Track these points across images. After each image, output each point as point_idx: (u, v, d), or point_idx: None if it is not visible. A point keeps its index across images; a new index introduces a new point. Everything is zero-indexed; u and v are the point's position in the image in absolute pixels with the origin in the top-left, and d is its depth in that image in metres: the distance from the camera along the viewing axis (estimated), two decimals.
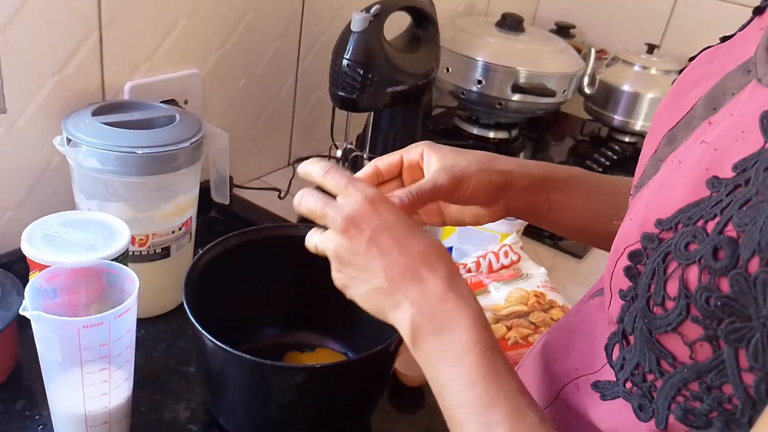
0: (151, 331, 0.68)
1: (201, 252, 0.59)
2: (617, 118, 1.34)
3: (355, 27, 0.78)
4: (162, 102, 0.76)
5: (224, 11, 0.85)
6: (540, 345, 0.50)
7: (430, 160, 0.48)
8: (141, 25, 0.75)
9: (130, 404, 0.56)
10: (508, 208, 0.51)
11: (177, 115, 0.68)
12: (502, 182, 0.49)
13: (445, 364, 0.38)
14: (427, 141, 0.50)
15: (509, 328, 0.70)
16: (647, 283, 0.33)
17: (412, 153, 0.49)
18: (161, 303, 0.71)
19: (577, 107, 1.43)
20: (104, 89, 0.74)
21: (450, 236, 0.86)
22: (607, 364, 0.39)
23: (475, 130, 1.28)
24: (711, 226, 0.30)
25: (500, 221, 0.82)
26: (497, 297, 0.74)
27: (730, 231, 0.29)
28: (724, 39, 0.41)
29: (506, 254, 0.79)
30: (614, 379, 0.38)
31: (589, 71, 1.27)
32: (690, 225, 0.31)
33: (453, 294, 0.39)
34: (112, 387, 0.52)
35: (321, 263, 0.58)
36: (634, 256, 0.35)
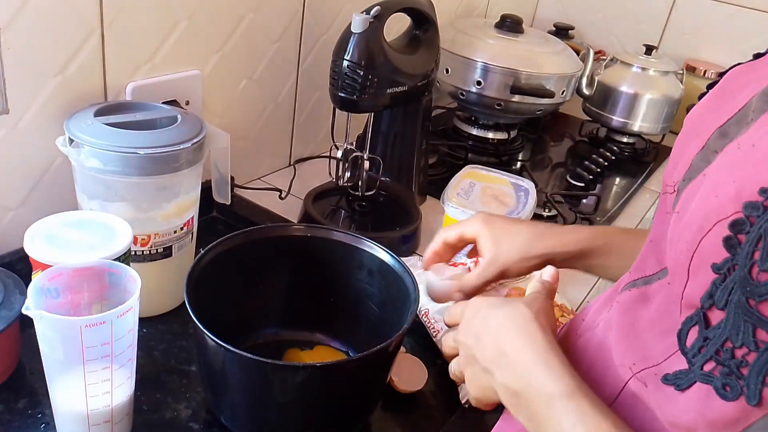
0: (153, 330, 0.68)
1: (202, 252, 0.60)
2: (616, 119, 1.34)
3: (356, 28, 0.78)
4: (163, 103, 0.76)
5: (225, 12, 0.85)
6: (577, 341, 0.50)
7: (484, 246, 0.60)
8: (142, 26, 0.76)
9: (132, 403, 0.56)
10: None
11: (178, 116, 0.69)
12: (541, 264, 0.58)
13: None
14: (483, 215, 0.62)
15: None
16: (750, 250, 0.34)
17: (469, 232, 0.62)
18: (163, 302, 0.72)
19: (576, 108, 1.43)
20: (106, 90, 0.74)
21: None
22: (670, 356, 0.39)
23: (475, 131, 1.28)
24: None
25: None
26: (496, 296, 0.74)
27: None
28: (757, 56, 0.44)
29: None
30: (681, 368, 0.38)
31: (587, 72, 1.27)
32: None
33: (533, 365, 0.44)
34: (114, 386, 0.52)
35: (320, 263, 0.59)
36: (735, 225, 0.35)
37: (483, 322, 0.48)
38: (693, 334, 0.38)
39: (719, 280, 0.36)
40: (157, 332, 0.68)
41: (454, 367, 0.52)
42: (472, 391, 0.50)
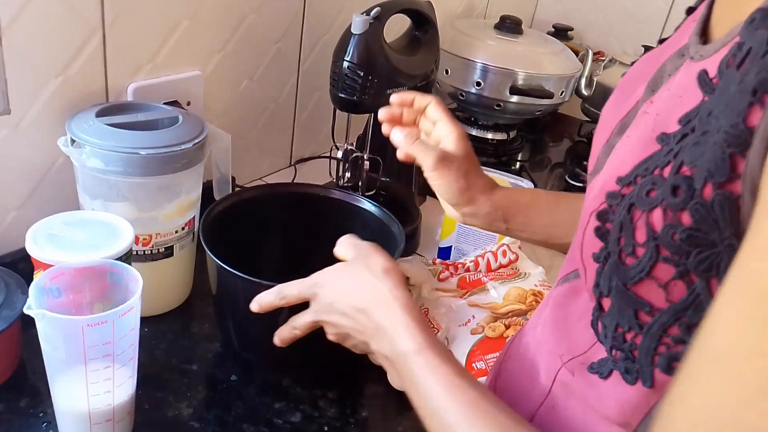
0: (154, 329, 0.69)
1: (212, 204, 0.69)
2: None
3: (356, 29, 0.78)
4: (165, 103, 0.76)
5: (226, 13, 0.86)
6: (521, 342, 0.51)
7: (445, 124, 0.60)
8: (144, 27, 0.76)
9: (134, 402, 0.56)
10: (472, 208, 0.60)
11: (180, 116, 0.69)
12: (481, 184, 0.60)
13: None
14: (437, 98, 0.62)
15: (507, 327, 0.71)
16: (617, 237, 0.35)
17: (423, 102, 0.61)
18: (164, 302, 0.72)
19: (575, 108, 1.44)
20: (108, 90, 0.75)
21: (449, 236, 0.87)
22: (595, 344, 0.40)
23: (474, 132, 1.28)
24: (666, 171, 0.33)
25: None
26: (495, 296, 0.75)
27: (685, 171, 0.32)
28: (662, 41, 0.46)
29: (504, 253, 0.80)
30: (603, 356, 0.39)
31: (586, 73, 1.28)
32: (647, 175, 0.34)
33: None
34: (116, 385, 0.52)
35: (317, 217, 0.74)
36: (601, 215, 0.37)
37: (343, 300, 0.51)
38: (599, 324, 0.39)
39: (600, 268, 0.37)
40: (158, 331, 0.69)
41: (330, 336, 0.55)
42: (355, 350, 0.54)
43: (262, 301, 0.56)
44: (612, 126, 0.44)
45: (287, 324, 0.56)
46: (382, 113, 0.61)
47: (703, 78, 0.33)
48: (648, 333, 0.34)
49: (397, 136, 0.58)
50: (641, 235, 0.33)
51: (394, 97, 0.62)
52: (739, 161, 0.29)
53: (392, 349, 0.46)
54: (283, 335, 0.56)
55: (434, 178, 0.57)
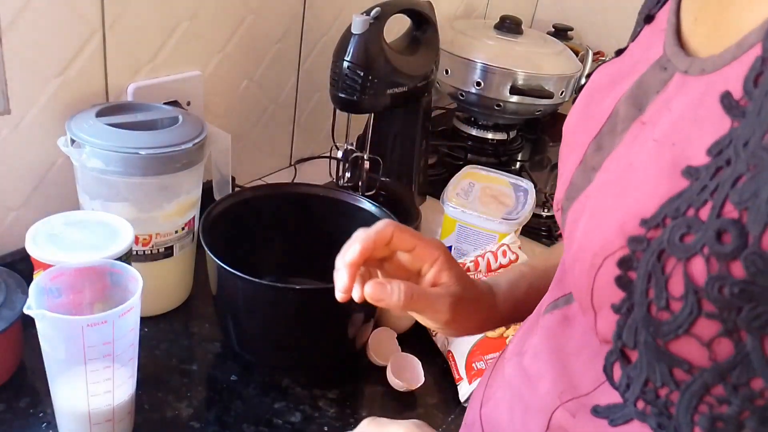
0: (154, 329, 0.69)
1: (214, 203, 0.69)
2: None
3: (356, 29, 0.78)
4: (165, 103, 0.76)
5: (226, 13, 0.86)
6: (504, 370, 0.47)
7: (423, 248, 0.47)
8: (144, 27, 0.76)
9: (134, 402, 0.56)
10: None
11: (180, 117, 0.69)
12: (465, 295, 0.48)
13: None
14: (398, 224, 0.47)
15: (507, 327, 0.71)
16: (644, 288, 0.31)
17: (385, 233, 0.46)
18: (164, 302, 0.72)
19: None
20: (107, 91, 0.75)
21: (449, 236, 0.87)
22: (600, 386, 0.37)
23: (474, 132, 1.28)
24: (705, 212, 0.29)
25: (499, 221, 0.83)
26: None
27: (730, 212, 0.28)
28: (619, 52, 0.43)
29: (504, 254, 0.80)
30: (614, 400, 0.36)
31: (586, 73, 1.28)
32: (679, 216, 0.30)
33: None
34: (116, 385, 0.52)
35: (316, 217, 0.74)
36: (623, 263, 0.32)
37: None
38: (617, 370, 0.35)
39: (621, 320, 0.33)
40: (158, 331, 0.69)
41: None
42: None
43: None
44: (584, 145, 0.40)
45: None
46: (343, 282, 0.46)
47: (728, 101, 0.29)
48: (687, 391, 0.31)
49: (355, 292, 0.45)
50: (677, 288, 0.29)
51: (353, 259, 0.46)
52: None
53: None
54: None
55: (425, 318, 0.48)
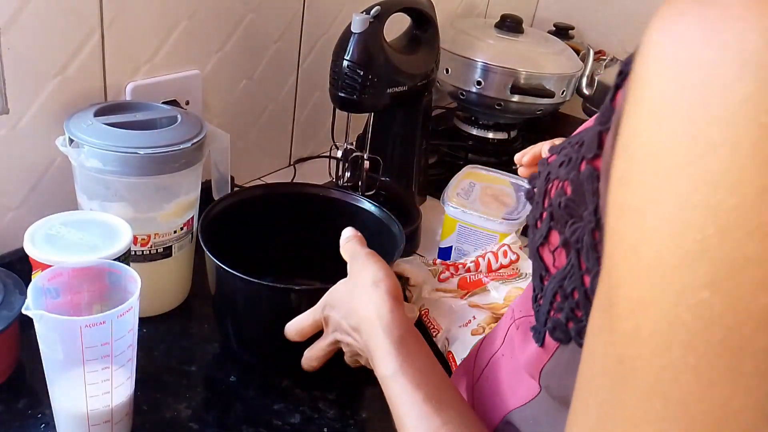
0: (153, 330, 0.68)
1: (213, 203, 0.69)
2: None
3: (356, 28, 0.78)
4: (163, 103, 0.76)
5: (225, 12, 0.85)
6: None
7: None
8: (142, 26, 0.76)
9: (132, 403, 0.56)
10: None
11: (179, 116, 0.69)
12: None
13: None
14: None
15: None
16: (536, 201, 0.37)
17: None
18: (163, 302, 0.72)
19: (576, 108, 1.43)
20: (106, 90, 0.74)
21: (449, 236, 0.86)
22: None
23: (475, 131, 1.28)
24: (577, 146, 0.34)
25: (499, 221, 0.83)
26: (496, 296, 0.74)
27: (580, 145, 0.33)
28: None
29: (505, 254, 0.80)
30: None
31: (587, 72, 1.27)
32: (569, 147, 0.35)
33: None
34: (114, 386, 0.52)
35: (317, 218, 0.74)
36: (531, 179, 0.39)
37: (345, 319, 0.52)
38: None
39: (531, 233, 0.39)
40: (157, 332, 0.68)
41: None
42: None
43: (287, 336, 0.58)
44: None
45: (309, 352, 0.58)
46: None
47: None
48: (544, 297, 0.36)
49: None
50: (546, 202, 0.36)
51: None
52: (604, 140, 0.30)
53: (376, 371, 0.47)
54: (309, 362, 0.59)
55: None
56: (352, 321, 0.51)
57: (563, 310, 0.34)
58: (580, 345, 0.32)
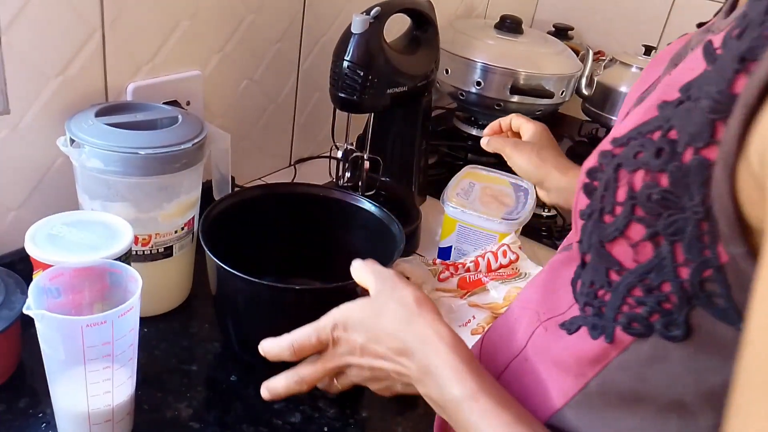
0: (154, 329, 0.69)
1: (214, 203, 0.69)
2: (615, 120, 1.34)
3: (356, 29, 0.78)
4: (164, 103, 0.76)
5: (226, 13, 0.86)
6: (513, 302, 0.53)
7: (525, 124, 0.76)
8: (143, 27, 0.76)
9: (133, 402, 0.56)
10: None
11: (179, 116, 0.69)
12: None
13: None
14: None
15: None
16: (601, 195, 0.36)
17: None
18: (164, 302, 0.72)
19: (575, 108, 1.44)
20: (107, 90, 0.75)
21: (449, 236, 0.87)
22: (572, 306, 0.41)
23: (474, 131, 1.28)
24: (656, 135, 0.33)
25: (499, 221, 0.83)
26: (496, 296, 0.74)
27: (672, 135, 0.32)
28: (700, 25, 0.46)
29: (505, 254, 0.80)
30: (577, 314, 0.40)
31: (587, 73, 1.27)
32: (639, 138, 0.34)
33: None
34: (115, 385, 0.52)
35: (317, 217, 0.73)
36: (590, 172, 0.37)
37: (378, 341, 0.46)
38: (578, 280, 0.39)
39: (583, 225, 0.38)
40: (158, 332, 0.69)
41: (337, 383, 0.50)
42: (383, 393, 0.50)
43: (269, 354, 0.50)
44: (632, 101, 0.45)
45: (291, 375, 0.50)
46: (485, 139, 0.75)
47: (708, 48, 0.33)
48: (616, 291, 0.35)
49: (484, 139, 0.75)
50: (622, 195, 0.34)
51: (488, 130, 0.79)
52: (720, 128, 0.29)
53: (441, 394, 0.42)
54: (284, 390, 0.50)
55: (511, 159, 0.70)
56: (392, 343, 0.45)
57: (645, 304, 0.33)
58: (668, 338, 0.33)
